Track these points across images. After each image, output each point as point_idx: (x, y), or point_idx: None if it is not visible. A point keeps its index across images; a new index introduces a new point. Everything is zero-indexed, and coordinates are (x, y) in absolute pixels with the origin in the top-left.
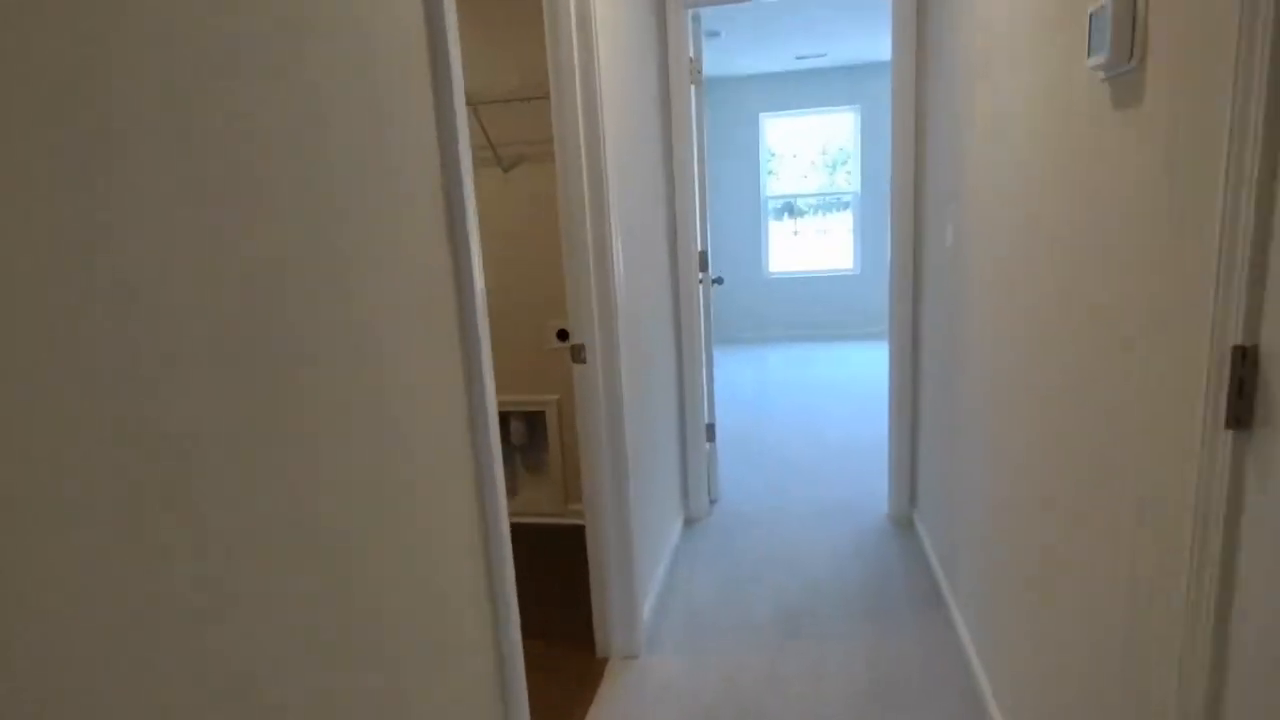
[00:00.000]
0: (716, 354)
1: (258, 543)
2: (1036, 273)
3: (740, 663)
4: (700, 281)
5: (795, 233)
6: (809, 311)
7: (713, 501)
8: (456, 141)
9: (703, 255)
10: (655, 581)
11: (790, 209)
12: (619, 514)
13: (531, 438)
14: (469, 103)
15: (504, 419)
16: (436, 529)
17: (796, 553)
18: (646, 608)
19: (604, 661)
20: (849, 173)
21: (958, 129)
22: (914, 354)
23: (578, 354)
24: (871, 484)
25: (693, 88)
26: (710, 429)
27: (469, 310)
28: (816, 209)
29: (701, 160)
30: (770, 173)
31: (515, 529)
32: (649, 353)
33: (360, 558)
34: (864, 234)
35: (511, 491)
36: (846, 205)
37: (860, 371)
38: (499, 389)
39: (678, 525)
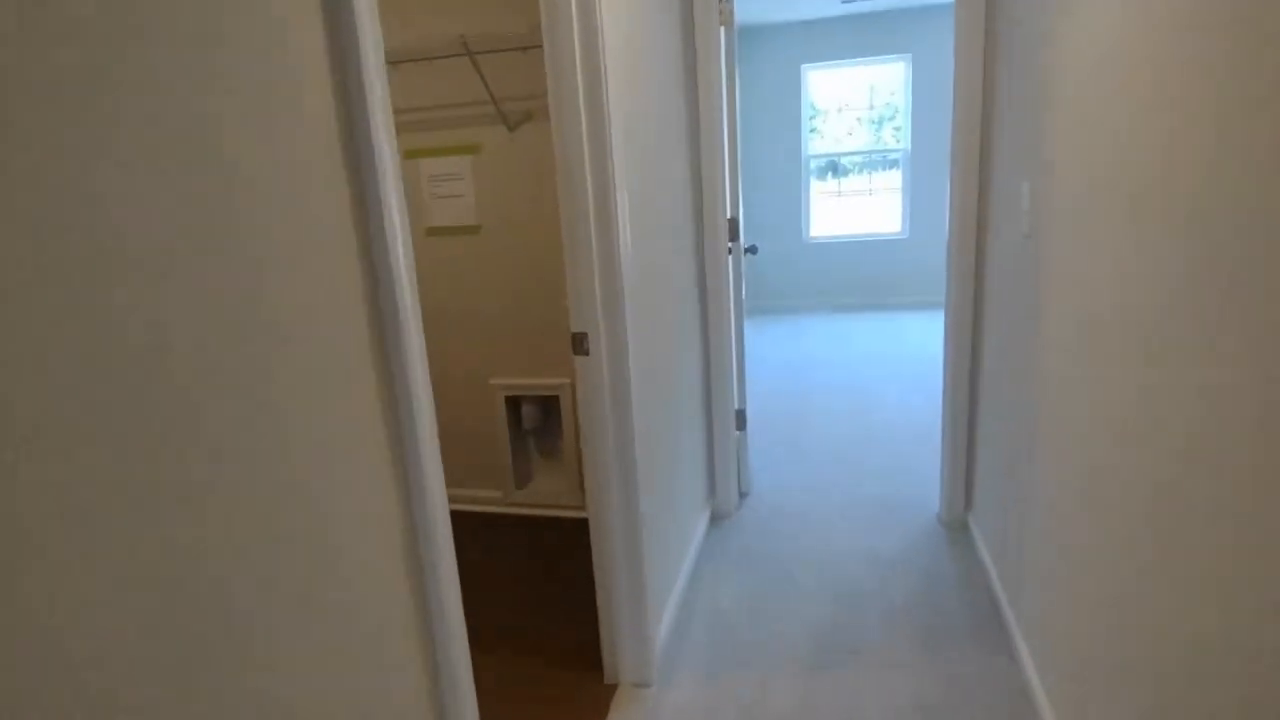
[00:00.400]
0: (752, 326)
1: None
2: (1170, 240)
3: (768, 693)
4: (729, 252)
5: (839, 194)
6: (854, 279)
7: (743, 495)
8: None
9: (733, 223)
10: (675, 591)
11: (834, 168)
12: (627, 526)
13: (545, 422)
14: (468, 52)
15: (515, 403)
16: (328, 522)
17: (835, 558)
18: (664, 622)
19: (612, 689)
20: (897, 129)
21: (1045, 69)
22: (974, 332)
23: (579, 344)
24: (922, 475)
25: (722, 29)
26: (740, 415)
27: (380, 265)
28: (862, 168)
29: (733, 116)
30: (813, 130)
31: (528, 521)
32: (668, 335)
33: (213, 547)
34: (914, 195)
35: (525, 479)
36: (894, 163)
37: (911, 344)
38: (509, 370)
39: (703, 523)
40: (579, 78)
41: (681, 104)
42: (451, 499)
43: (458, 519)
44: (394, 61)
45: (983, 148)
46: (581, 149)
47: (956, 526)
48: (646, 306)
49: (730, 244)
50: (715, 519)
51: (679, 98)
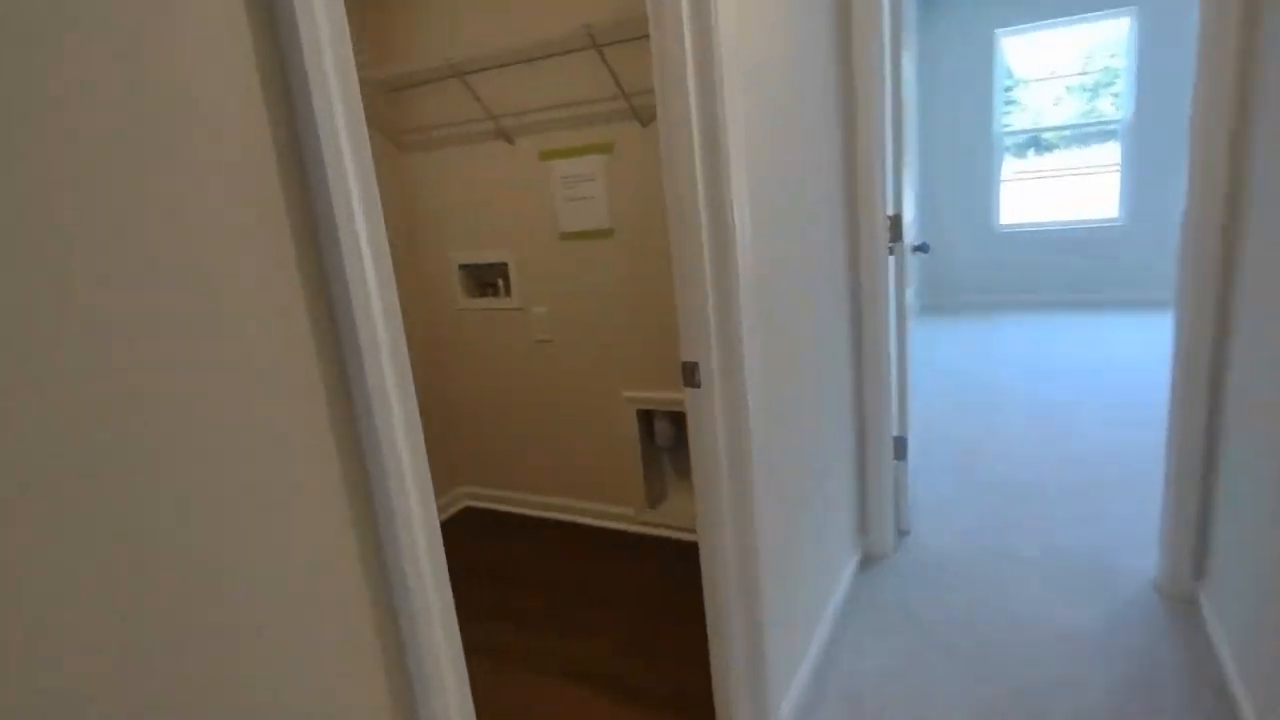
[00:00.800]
0: (926, 328)
1: None
2: None
3: None
4: (890, 253)
5: (1039, 175)
6: (1054, 273)
7: (902, 534)
8: None
9: (895, 220)
10: (811, 649)
11: (1036, 144)
12: (744, 586)
13: (679, 440)
14: (595, 44)
15: (648, 418)
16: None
17: (1012, 627)
18: (794, 687)
19: None
20: (1115, 95)
21: None
22: (1216, 348)
23: (690, 375)
24: (1134, 529)
25: None
26: (900, 443)
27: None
28: (1070, 142)
29: (898, 96)
30: (1011, 102)
31: (658, 543)
32: (808, 354)
33: None
34: (1137, 173)
35: (660, 498)
36: (1110, 135)
37: (1124, 353)
38: (642, 383)
39: (851, 565)
40: (689, 68)
41: (832, 84)
42: (578, 513)
43: (583, 534)
44: (527, 59)
45: (1235, 113)
46: (692, 152)
47: (1181, 600)
48: (777, 323)
49: (891, 245)
50: (867, 560)
51: (828, 78)
